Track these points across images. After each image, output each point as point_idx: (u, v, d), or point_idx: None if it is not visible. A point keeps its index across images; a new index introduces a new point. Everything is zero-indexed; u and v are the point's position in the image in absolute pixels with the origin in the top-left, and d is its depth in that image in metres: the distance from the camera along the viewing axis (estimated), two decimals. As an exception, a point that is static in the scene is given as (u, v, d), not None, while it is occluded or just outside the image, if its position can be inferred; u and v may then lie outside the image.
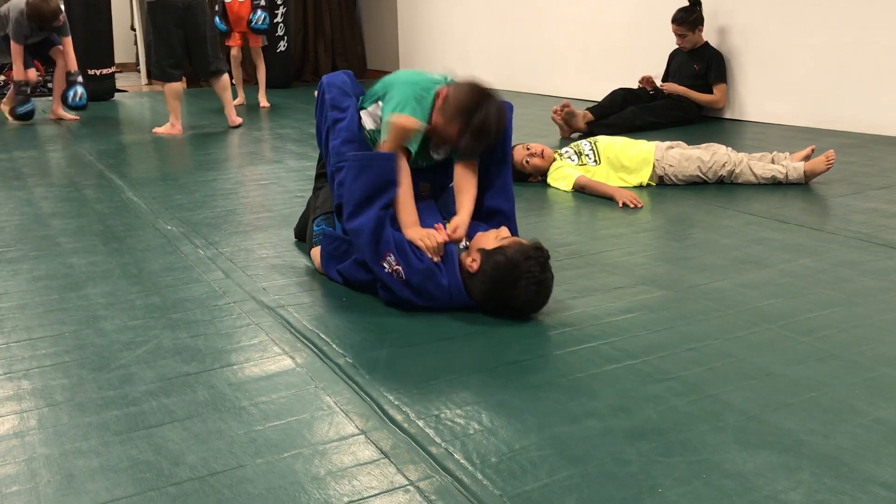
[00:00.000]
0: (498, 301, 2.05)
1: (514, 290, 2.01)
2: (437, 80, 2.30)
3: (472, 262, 2.07)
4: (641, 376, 1.73)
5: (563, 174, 3.60)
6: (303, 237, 2.84)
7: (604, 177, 3.56)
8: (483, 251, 2.07)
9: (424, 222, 2.19)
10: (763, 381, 1.70)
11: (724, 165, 3.52)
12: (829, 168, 3.47)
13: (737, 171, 3.53)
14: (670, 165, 3.55)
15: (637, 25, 6.36)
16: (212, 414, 1.60)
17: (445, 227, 2.20)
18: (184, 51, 5.58)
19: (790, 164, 3.51)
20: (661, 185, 3.59)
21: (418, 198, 2.28)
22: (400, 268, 2.08)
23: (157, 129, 5.69)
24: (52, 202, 3.54)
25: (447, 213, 2.37)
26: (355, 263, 2.22)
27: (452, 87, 2.23)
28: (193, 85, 8.85)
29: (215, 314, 2.16)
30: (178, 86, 5.57)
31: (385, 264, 2.09)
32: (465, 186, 2.29)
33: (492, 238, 2.11)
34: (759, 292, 2.24)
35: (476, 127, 2.17)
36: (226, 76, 5.81)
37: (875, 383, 1.68)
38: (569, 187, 3.56)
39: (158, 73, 5.59)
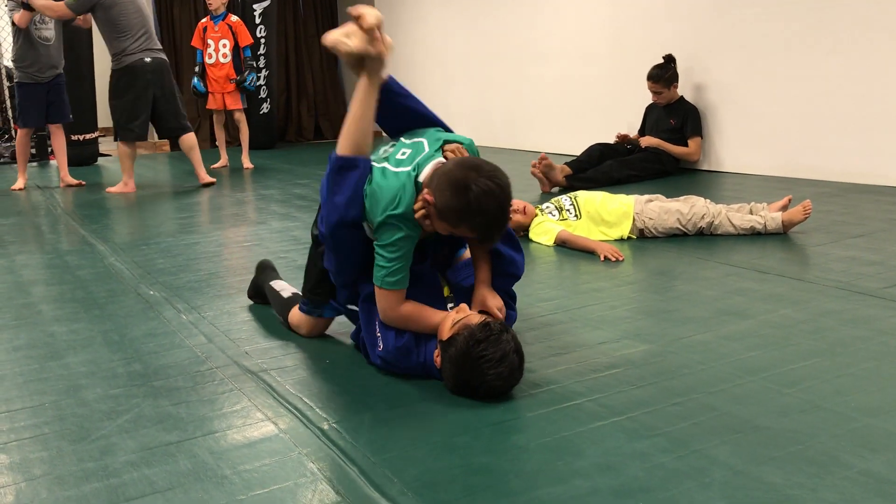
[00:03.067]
0: (468, 390, 1.92)
1: (478, 377, 1.88)
2: (410, 171, 2.01)
3: (437, 357, 2.00)
4: (627, 433, 1.73)
5: (545, 229, 3.63)
6: (259, 299, 2.85)
7: (585, 231, 3.59)
8: (441, 343, 1.98)
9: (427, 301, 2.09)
10: (748, 434, 1.70)
11: (703, 217, 3.57)
12: (806, 217, 3.53)
13: (716, 222, 3.57)
14: (650, 219, 3.59)
15: (613, 82, 6.49)
16: (194, 484, 1.58)
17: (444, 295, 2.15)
18: (147, 112, 5.74)
19: (768, 215, 3.56)
20: (642, 237, 3.62)
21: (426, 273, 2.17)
22: (380, 335, 2.08)
23: (111, 189, 5.85)
24: (33, 269, 3.52)
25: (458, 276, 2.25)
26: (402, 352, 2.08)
27: (437, 191, 1.92)
28: (177, 147, 8.91)
29: (197, 380, 2.14)
30: (131, 148, 5.78)
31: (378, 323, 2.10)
32: (478, 254, 2.15)
33: (447, 326, 1.97)
34: (742, 344, 2.25)
35: (478, 231, 1.96)
36: (191, 135, 5.96)
37: (860, 434, 1.68)
38: (550, 242, 3.58)
39: (123, 133, 5.76)
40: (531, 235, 3.70)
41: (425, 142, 2.11)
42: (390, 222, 1.97)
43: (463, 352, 1.89)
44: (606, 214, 3.62)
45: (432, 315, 2.04)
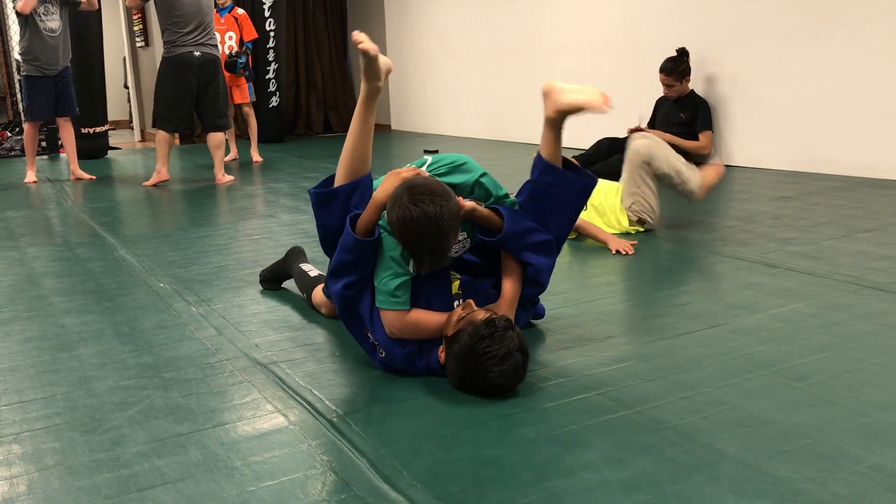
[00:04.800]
0: (471, 386, 1.91)
1: (481, 374, 1.87)
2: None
3: (441, 353, 2.00)
4: (636, 426, 1.73)
5: None
6: (269, 284, 2.91)
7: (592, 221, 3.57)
8: (445, 339, 1.98)
9: (432, 301, 2.09)
10: (758, 428, 1.70)
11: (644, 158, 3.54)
12: (718, 177, 3.69)
13: (655, 162, 3.52)
14: (632, 205, 3.58)
15: (624, 75, 6.47)
16: (204, 475, 1.59)
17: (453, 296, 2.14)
18: (190, 106, 5.80)
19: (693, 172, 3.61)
20: (649, 232, 3.60)
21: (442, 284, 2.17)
22: (377, 344, 2.07)
23: (146, 183, 5.89)
24: (44, 261, 3.54)
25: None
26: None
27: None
28: (186, 141, 8.93)
29: (208, 372, 2.15)
30: (170, 136, 5.84)
31: (369, 335, 2.09)
32: (508, 270, 2.18)
33: (452, 322, 1.97)
34: (752, 338, 2.24)
35: (408, 251, 1.97)
36: (220, 134, 5.98)
37: (870, 429, 1.68)
38: None
39: (162, 122, 5.84)
40: None
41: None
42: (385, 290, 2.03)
43: (467, 348, 1.88)
44: (609, 208, 3.59)
45: (437, 319, 2.02)
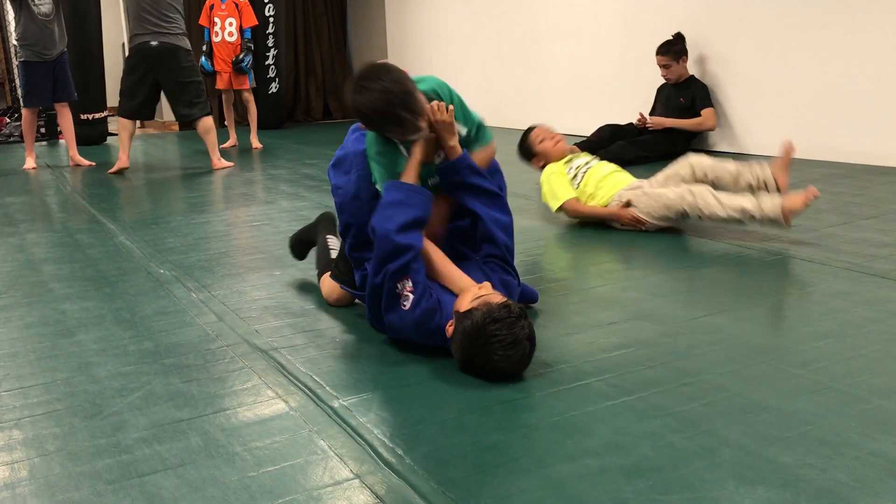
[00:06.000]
0: (474, 367, 1.92)
1: (485, 355, 1.87)
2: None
3: (449, 326, 1.99)
4: (637, 413, 1.73)
5: (555, 188, 3.48)
6: (297, 249, 2.96)
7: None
8: (457, 314, 1.97)
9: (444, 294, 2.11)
10: (758, 415, 1.70)
11: (684, 201, 3.20)
12: (806, 205, 3.04)
13: (701, 206, 3.14)
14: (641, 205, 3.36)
15: (625, 62, 6.45)
16: (205, 461, 1.59)
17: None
18: (149, 94, 5.75)
19: (764, 199, 3.08)
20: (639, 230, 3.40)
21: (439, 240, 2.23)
22: (410, 294, 2.03)
23: (111, 170, 5.83)
24: (44, 248, 3.53)
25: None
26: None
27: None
28: (186, 127, 8.91)
29: (208, 358, 2.15)
30: (129, 122, 5.79)
31: (400, 285, 2.05)
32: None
33: (468, 299, 1.97)
34: (753, 325, 2.24)
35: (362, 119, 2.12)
36: (206, 120, 5.85)
37: (870, 415, 1.68)
38: (554, 208, 3.48)
39: (120, 109, 5.81)
40: (543, 185, 3.55)
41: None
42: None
43: (478, 327, 1.87)
44: (601, 193, 3.42)
45: (459, 276, 2.09)
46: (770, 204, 3.04)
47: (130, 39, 5.62)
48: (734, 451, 1.54)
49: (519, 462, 1.54)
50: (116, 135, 8.44)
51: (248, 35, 7.02)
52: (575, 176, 3.52)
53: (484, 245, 2.29)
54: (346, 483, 1.49)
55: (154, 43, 5.57)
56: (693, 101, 5.49)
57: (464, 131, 2.25)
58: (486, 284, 2.03)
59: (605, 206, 3.41)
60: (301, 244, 2.95)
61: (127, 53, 5.74)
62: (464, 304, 1.97)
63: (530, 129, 3.68)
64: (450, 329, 1.99)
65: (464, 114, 2.25)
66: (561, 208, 3.48)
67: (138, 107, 5.74)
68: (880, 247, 2.99)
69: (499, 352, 1.86)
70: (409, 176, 2.14)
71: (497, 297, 1.95)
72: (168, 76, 5.67)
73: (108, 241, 3.60)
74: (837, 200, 3.84)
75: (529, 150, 3.62)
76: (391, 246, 2.03)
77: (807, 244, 3.10)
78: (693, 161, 3.44)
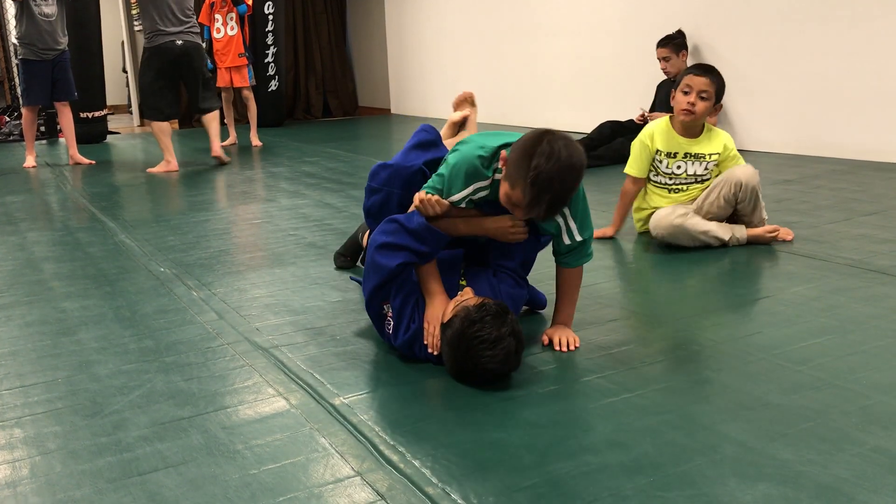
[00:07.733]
0: (466, 375, 1.88)
1: (472, 360, 1.83)
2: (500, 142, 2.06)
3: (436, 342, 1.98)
4: (637, 410, 1.73)
5: (633, 157, 3.18)
6: (346, 257, 2.95)
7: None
8: (441, 328, 1.94)
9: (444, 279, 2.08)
10: (759, 411, 1.70)
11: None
12: (771, 240, 3.05)
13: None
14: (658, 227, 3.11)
15: (625, 59, 6.44)
16: (206, 458, 1.59)
17: (460, 285, 2.11)
18: (176, 92, 5.84)
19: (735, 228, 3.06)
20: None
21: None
22: (391, 321, 2.06)
23: (152, 169, 5.78)
24: (44, 246, 3.53)
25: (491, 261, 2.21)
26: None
27: (511, 150, 1.91)
28: (186, 126, 8.91)
29: (209, 356, 2.15)
30: (166, 125, 5.81)
31: (386, 306, 2.07)
32: (565, 289, 2.18)
33: (450, 309, 1.94)
34: (754, 321, 2.24)
35: (532, 179, 1.79)
36: (215, 112, 6.02)
37: (871, 411, 1.68)
38: (643, 227, 3.24)
39: (150, 113, 5.80)
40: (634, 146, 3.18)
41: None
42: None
43: (458, 332, 1.85)
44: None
45: (437, 288, 2.03)
46: (741, 232, 3.06)
47: (150, 39, 5.60)
48: (735, 448, 1.54)
49: (520, 459, 1.54)
50: (117, 133, 8.50)
51: (243, 9, 7.00)
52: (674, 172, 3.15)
53: (498, 256, 2.18)
54: (347, 480, 1.49)
55: (179, 42, 5.62)
56: None
57: (567, 240, 2.09)
58: (467, 289, 2.01)
59: (638, 222, 3.27)
60: (348, 252, 2.94)
61: (145, 53, 5.70)
62: (446, 315, 1.94)
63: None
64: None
65: (581, 221, 2.09)
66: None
67: (170, 107, 5.81)
68: (881, 243, 2.99)
69: (485, 353, 1.82)
70: (455, 227, 2.05)
71: (473, 300, 1.93)
72: (192, 74, 5.78)
73: (109, 240, 3.60)
74: (838, 196, 3.84)
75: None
76: (371, 261, 2.05)
77: (807, 240, 3.10)
78: (743, 179, 3.01)
